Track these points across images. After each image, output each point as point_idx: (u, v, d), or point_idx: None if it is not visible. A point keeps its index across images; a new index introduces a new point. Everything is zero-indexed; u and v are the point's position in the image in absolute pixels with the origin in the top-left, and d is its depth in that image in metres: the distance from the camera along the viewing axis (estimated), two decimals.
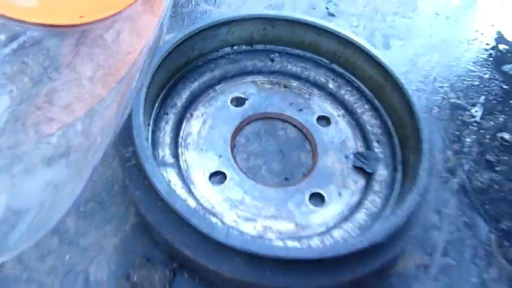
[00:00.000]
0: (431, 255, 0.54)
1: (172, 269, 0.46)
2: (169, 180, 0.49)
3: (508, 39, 0.85)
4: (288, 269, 0.40)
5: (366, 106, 0.62)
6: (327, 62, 0.64)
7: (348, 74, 0.63)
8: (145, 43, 0.53)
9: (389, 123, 0.59)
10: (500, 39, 0.85)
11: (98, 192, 0.51)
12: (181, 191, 0.49)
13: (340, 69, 0.64)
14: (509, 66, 0.81)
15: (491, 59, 0.82)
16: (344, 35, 0.59)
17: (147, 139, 0.48)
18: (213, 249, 0.40)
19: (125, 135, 0.46)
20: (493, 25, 0.89)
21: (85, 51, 0.62)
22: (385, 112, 0.60)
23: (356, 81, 0.63)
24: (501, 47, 0.84)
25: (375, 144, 0.59)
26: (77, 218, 0.48)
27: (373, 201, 0.53)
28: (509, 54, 0.83)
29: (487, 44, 0.84)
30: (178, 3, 0.74)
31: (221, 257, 0.40)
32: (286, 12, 0.60)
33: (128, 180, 0.45)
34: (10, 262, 0.45)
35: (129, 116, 0.47)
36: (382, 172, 0.56)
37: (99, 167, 0.53)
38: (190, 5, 0.75)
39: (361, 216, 0.52)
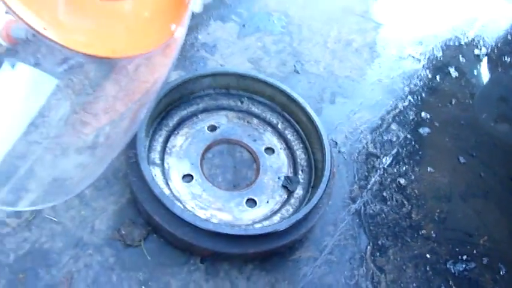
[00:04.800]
0: (321, 252, 0.80)
1: (147, 230, 0.72)
2: (154, 175, 0.76)
3: (430, 109, 1.12)
4: (217, 238, 0.67)
5: (301, 145, 0.89)
6: (280, 109, 0.91)
7: (292, 120, 0.90)
8: (157, 77, 0.81)
9: (312, 159, 0.86)
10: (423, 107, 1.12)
11: (108, 175, 0.78)
12: (161, 183, 0.76)
13: (288, 116, 0.91)
14: (425, 129, 1.08)
15: (412, 122, 1.09)
16: (290, 93, 0.86)
17: (145, 146, 0.75)
18: (173, 220, 0.67)
19: (131, 141, 0.73)
20: (423, 95, 1.16)
21: (112, 76, 0.91)
22: (312, 151, 0.87)
23: (297, 126, 0.90)
24: (423, 114, 1.11)
25: (300, 172, 0.86)
26: (92, 189, 0.75)
27: (288, 209, 0.80)
28: (428, 121, 1.10)
29: (412, 110, 1.11)
30: (183, 47, 1.02)
31: (177, 225, 0.67)
32: (253, 72, 0.87)
33: (129, 170, 0.71)
34: (47, 209, 0.71)
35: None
36: (299, 192, 0.83)
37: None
38: (192, 50, 1.02)
39: (276, 218, 0.78)
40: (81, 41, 0.67)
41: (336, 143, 0.97)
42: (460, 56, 1.31)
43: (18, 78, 0.81)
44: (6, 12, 0.62)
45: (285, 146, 0.89)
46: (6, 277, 0.64)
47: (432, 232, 0.89)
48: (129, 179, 0.71)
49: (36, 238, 0.69)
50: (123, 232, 0.72)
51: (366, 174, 0.94)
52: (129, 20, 0.87)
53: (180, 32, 0.84)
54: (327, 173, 0.77)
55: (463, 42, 1.35)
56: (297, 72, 1.08)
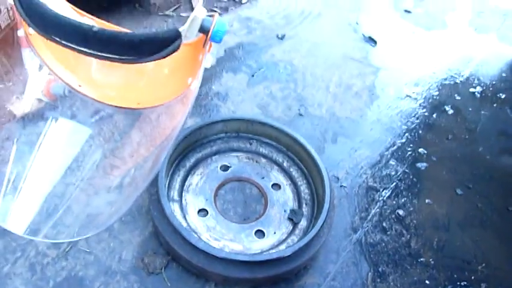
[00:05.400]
0: (324, 278, 0.88)
1: (167, 259, 0.82)
2: (174, 210, 0.86)
3: (427, 145, 1.20)
4: (228, 264, 0.76)
5: (304, 181, 0.99)
6: (285, 149, 1.02)
7: (296, 159, 1.00)
8: (175, 124, 0.92)
9: (315, 193, 0.95)
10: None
11: (133, 210, 0.89)
12: (179, 217, 0.86)
13: (292, 155, 1.01)
14: (423, 163, 1.17)
15: (410, 157, 1.17)
16: (293, 135, 0.97)
17: (165, 185, 0.86)
18: (190, 249, 0.76)
19: (153, 180, 0.84)
20: (420, 132, 1.25)
21: (137, 124, 1.03)
22: (314, 186, 0.96)
23: (300, 164, 1.00)
24: (420, 150, 1.20)
25: (304, 205, 0.95)
26: (120, 223, 0.86)
27: (293, 239, 0.88)
28: (425, 156, 1.19)
29: (410, 147, 1.20)
30: (199, 97, 1.15)
31: (193, 253, 0.76)
32: (260, 117, 0.99)
33: (151, 206, 0.82)
34: (82, 241, 0.82)
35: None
36: (303, 223, 0.92)
37: None
38: (207, 99, 1.16)
39: (282, 247, 0.87)
40: (110, 95, 0.78)
41: (338, 178, 1.06)
42: (456, 94, 1.40)
43: (58, 129, 0.94)
44: (49, 73, 0.75)
45: (290, 182, 0.99)
46: None
47: (431, 260, 0.96)
48: (152, 214, 0.82)
49: (72, 267, 0.79)
50: (146, 261, 0.81)
51: (367, 206, 1.03)
52: (151, 76, 1.00)
53: (195, 84, 0.96)
54: (326, 205, 0.86)
55: (458, 81, 1.45)
56: (301, 115, 1.19)
